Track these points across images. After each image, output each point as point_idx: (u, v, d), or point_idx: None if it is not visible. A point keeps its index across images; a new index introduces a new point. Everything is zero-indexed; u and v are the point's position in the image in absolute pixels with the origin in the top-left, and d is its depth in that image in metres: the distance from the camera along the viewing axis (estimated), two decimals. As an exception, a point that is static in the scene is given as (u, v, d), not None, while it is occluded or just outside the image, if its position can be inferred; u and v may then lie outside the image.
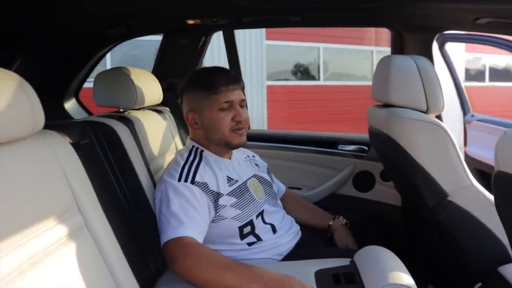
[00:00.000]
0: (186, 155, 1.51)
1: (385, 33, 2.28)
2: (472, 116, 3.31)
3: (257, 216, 1.50)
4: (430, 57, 2.14)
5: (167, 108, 2.06)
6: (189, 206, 1.35)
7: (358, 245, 1.62)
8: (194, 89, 1.52)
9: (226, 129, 1.48)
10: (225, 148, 1.54)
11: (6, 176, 0.82)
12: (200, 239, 1.32)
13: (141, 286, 1.10)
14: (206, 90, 1.48)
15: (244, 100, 1.52)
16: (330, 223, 1.72)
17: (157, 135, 1.80)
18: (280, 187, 1.84)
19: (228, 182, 1.48)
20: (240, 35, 6.79)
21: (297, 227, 1.65)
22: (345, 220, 1.72)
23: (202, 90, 1.49)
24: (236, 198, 1.47)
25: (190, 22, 2.14)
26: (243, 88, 1.55)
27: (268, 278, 1.17)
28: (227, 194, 1.45)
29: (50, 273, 0.85)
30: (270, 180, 1.70)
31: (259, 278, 1.17)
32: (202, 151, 1.53)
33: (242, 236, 1.46)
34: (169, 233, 1.30)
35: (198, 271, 1.20)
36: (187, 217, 1.32)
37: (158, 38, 2.57)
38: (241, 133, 1.50)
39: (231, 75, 1.51)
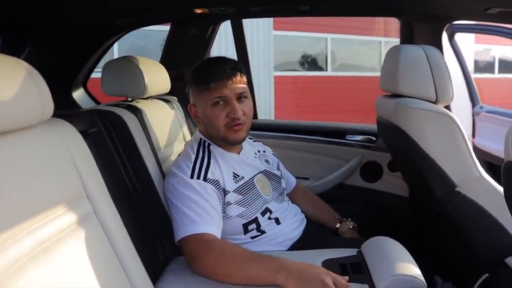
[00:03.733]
0: (196, 147, 1.48)
1: (393, 24, 2.25)
2: (481, 107, 3.29)
3: (262, 214, 1.47)
4: (439, 47, 2.11)
5: (175, 98, 2.06)
6: (205, 202, 1.33)
7: (366, 235, 1.60)
8: (193, 82, 1.47)
9: (221, 125, 1.42)
10: (225, 143, 1.50)
11: (16, 163, 0.82)
12: (219, 235, 1.30)
13: (149, 274, 1.11)
14: (201, 84, 1.43)
15: (243, 92, 1.43)
16: (337, 226, 1.67)
17: (165, 124, 1.80)
18: (290, 180, 1.81)
19: (234, 179, 1.45)
20: (248, 25, 6.76)
21: (301, 215, 1.64)
22: (352, 223, 1.68)
23: (198, 84, 1.44)
24: (242, 195, 1.44)
25: (198, 11, 2.13)
26: (247, 79, 1.48)
27: (293, 267, 1.17)
28: (233, 191, 1.42)
29: (60, 259, 0.85)
30: (279, 176, 1.66)
31: (284, 268, 1.16)
32: (209, 144, 1.50)
33: (247, 232, 1.45)
34: (187, 229, 1.28)
35: (222, 265, 1.20)
36: (206, 213, 1.31)
37: (165, 28, 2.57)
38: (237, 129, 1.42)
39: (228, 68, 1.41)
